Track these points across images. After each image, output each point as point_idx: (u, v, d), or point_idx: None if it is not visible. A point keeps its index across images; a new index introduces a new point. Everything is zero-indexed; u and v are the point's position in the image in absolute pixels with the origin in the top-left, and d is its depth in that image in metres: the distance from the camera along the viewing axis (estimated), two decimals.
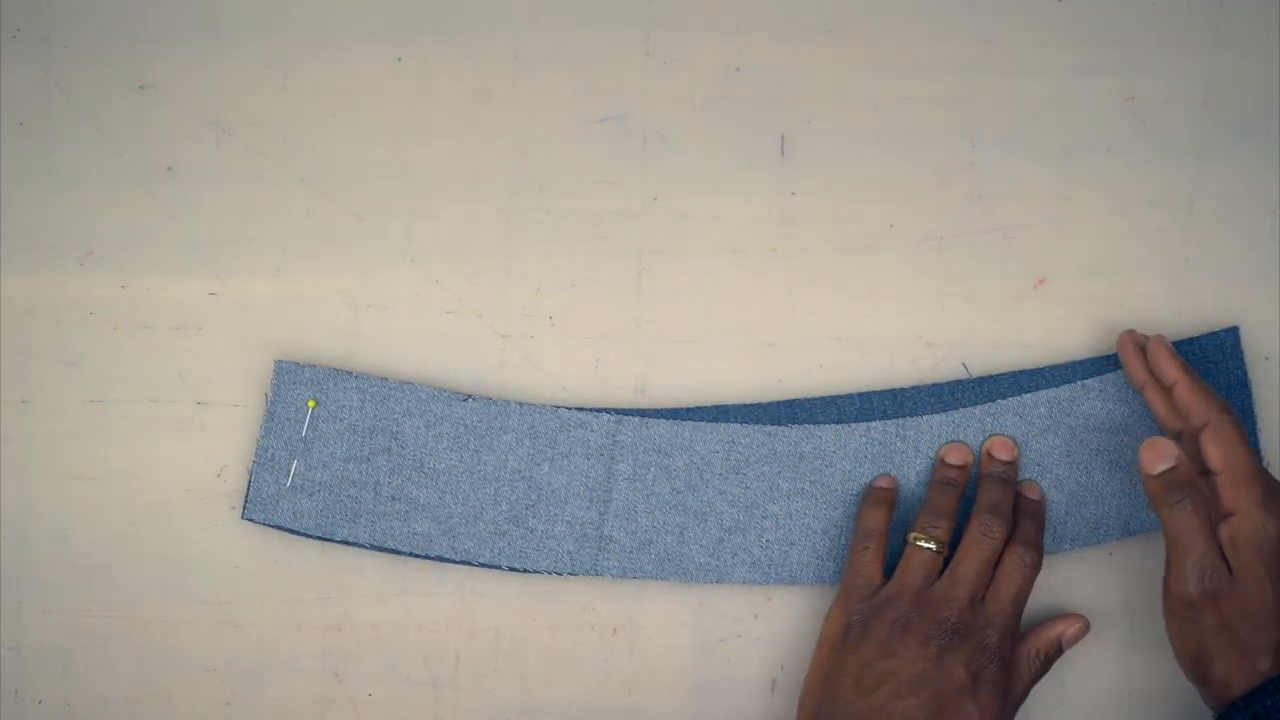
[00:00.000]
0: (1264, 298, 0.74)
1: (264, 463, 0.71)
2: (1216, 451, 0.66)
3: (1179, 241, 0.75)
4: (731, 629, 0.73)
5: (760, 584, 0.72)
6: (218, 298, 0.74)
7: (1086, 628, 0.70)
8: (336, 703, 0.73)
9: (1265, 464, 0.74)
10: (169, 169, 0.74)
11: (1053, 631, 0.70)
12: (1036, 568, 0.69)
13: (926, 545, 0.69)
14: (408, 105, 0.74)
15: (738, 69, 0.74)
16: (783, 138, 0.74)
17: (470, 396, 0.72)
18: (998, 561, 0.68)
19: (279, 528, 0.72)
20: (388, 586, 0.73)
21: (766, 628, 0.73)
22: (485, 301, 0.74)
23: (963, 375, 0.74)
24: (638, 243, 0.74)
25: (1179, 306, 0.74)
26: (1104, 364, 0.73)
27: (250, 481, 0.72)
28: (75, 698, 0.73)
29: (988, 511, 0.69)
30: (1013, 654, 0.68)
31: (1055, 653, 0.70)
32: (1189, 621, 0.65)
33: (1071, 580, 0.74)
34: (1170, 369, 0.69)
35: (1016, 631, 0.68)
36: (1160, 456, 0.66)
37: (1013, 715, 0.67)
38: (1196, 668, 0.66)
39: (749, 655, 0.73)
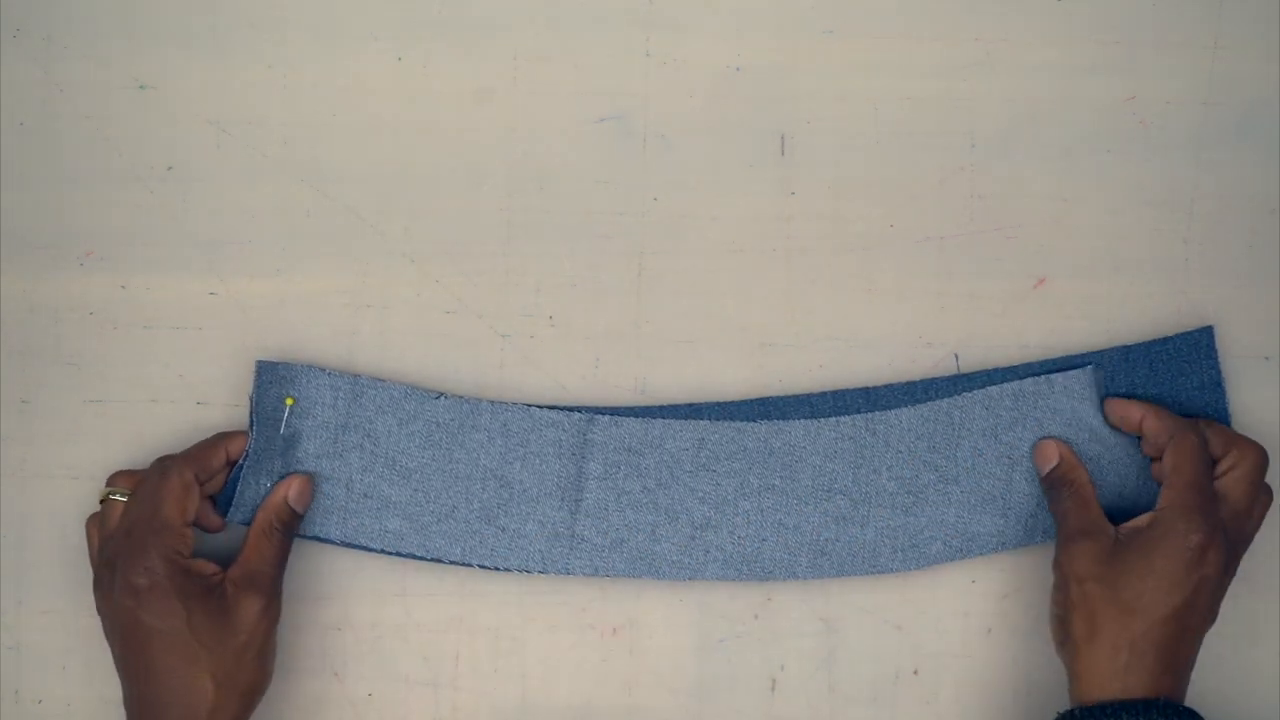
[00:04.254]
0: (1264, 298, 0.74)
1: (252, 467, 0.71)
2: (1170, 460, 0.68)
3: (1179, 241, 0.75)
4: (731, 629, 0.73)
5: (732, 580, 0.73)
6: (218, 298, 0.74)
7: (307, 482, 0.70)
8: (336, 703, 0.73)
9: None
10: (169, 169, 0.74)
11: (276, 496, 0.70)
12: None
13: (116, 498, 0.69)
14: (408, 105, 0.74)
15: (738, 69, 0.74)
16: (783, 138, 0.74)
17: (442, 395, 0.72)
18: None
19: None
20: (388, 586, 0.73)
21: (766, 628, 0.73)
22: (485, 301, 0.74)
23: (950, 371, 0.74)
24: (638, 243, 0.74)
25: (1179, 306, 0.74)
26: (1079, 363, 0.73)
27: (237, 485, 0.70)
28: (75, 698, 0.73)
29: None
30: (250, 544, 0.69)
31: (290, 516, 0.70)
32: (1075, 586, 0.68)
33: None
34: (1134, 410, 0.71)
35: (154, 535, 0.67)
36: (1045, 458, 0.72)
37: (251, 598, 0.67)
38: (1062, 628, 0.68)
39: (749, 655, 0.73)
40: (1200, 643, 0.68)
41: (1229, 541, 0.67)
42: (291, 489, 0.70)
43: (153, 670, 0.66)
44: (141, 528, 0.67)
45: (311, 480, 0.71)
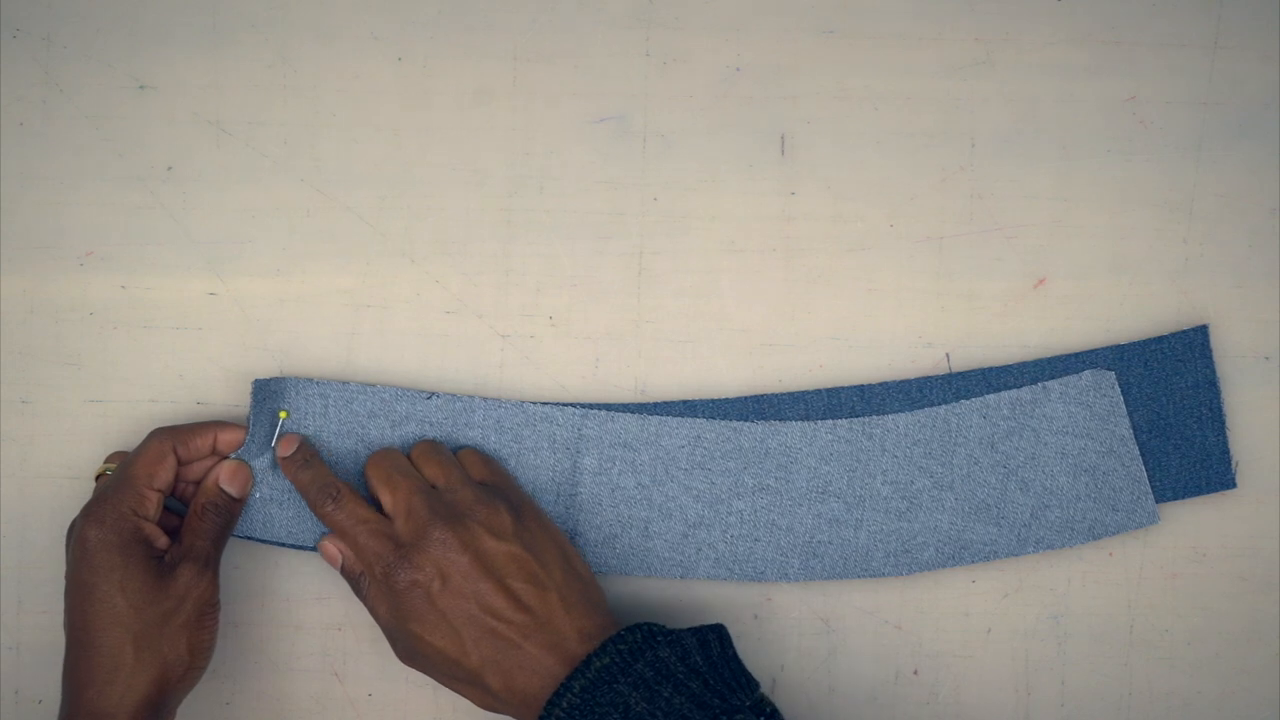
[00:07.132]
0: (1265, 297, 0.74)
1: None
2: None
3: (1179, 241, 0.75)
4: (731, 629, 0.73)
5: (724, 580, 0.73)
6: (218, 298, 0.74)
7: (241, 466, 0.70)
8: (336, 703, 0.73)
9: (1236, 464, 0.74)
10: (169, 169, 0.74)
11: (209, 479, 0.70)
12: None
13: (109, 474, 0.70)
14: (408, 105, 0.74)
15: (738, 69, 0.74)
16: (783, 138, 0.74)
17: (434, 395, 0.72)
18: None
19: (249, 538, 0.71)
20: None
21: (766, 628, 0.73)
22: (485, 301, 0.74)
23: (943, 368, 0.74)
24: (638, 243, 0.74)
25: (1179, 306, 0.74)
26: (1073, 362, 0.73)
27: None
28: None
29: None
30: (186, 523, 0.69)
31: (223, 498, 0.69)
32: None
33: (1072, 580, 0.74)
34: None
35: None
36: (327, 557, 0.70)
37: (195, 575, 0.67)
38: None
39: (748, 655, 0.73)
40: None
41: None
42: (223, 472, 0.70)
43: (83, 624, 0.66)
44: (109, 485, 0.68)
45: (247, 466, 0.70)
